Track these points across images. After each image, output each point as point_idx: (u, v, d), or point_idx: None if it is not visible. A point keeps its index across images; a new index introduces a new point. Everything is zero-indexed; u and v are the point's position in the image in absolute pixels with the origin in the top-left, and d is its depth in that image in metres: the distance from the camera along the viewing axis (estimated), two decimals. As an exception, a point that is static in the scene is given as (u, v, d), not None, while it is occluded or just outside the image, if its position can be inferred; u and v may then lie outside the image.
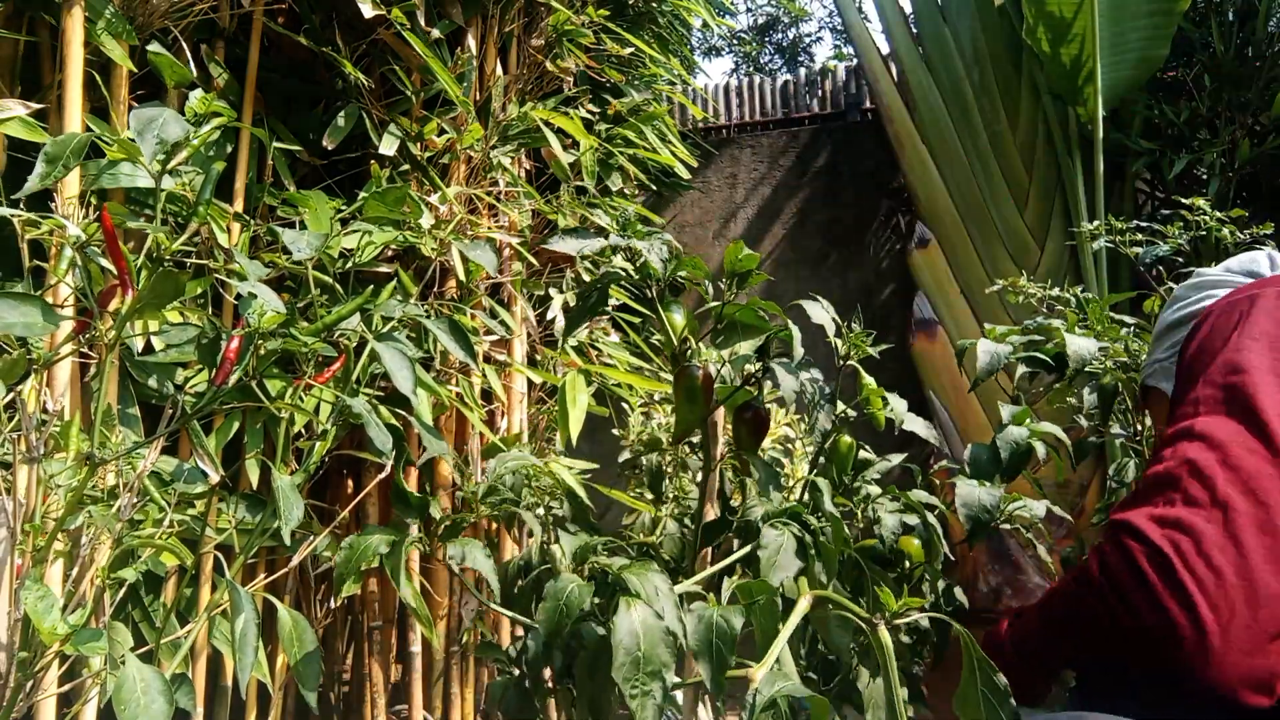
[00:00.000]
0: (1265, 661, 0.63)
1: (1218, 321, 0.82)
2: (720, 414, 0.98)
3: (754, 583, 0.74)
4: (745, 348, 0.91)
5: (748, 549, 0.82)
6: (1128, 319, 1.43)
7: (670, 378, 2.23)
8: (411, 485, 1.88)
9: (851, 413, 0.98)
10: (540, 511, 1.21)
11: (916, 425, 0.96)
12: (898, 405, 0.96)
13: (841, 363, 0.97)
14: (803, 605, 0.70)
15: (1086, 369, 1.01)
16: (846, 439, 0.96)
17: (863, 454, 1.04)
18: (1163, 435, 0.76)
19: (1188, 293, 0.95)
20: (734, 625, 0.70)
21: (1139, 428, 1.42)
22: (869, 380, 0.96)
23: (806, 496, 0.93)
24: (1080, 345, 0.98)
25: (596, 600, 0.74)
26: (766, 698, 0.62)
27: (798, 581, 0.75)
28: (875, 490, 0.95)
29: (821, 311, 0.92)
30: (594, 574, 0.83)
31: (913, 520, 0.93)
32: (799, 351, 0.89)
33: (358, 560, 0.81)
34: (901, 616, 0.69)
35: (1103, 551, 0.69)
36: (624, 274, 0.89)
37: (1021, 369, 1.05)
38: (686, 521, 1.22)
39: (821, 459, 0.99)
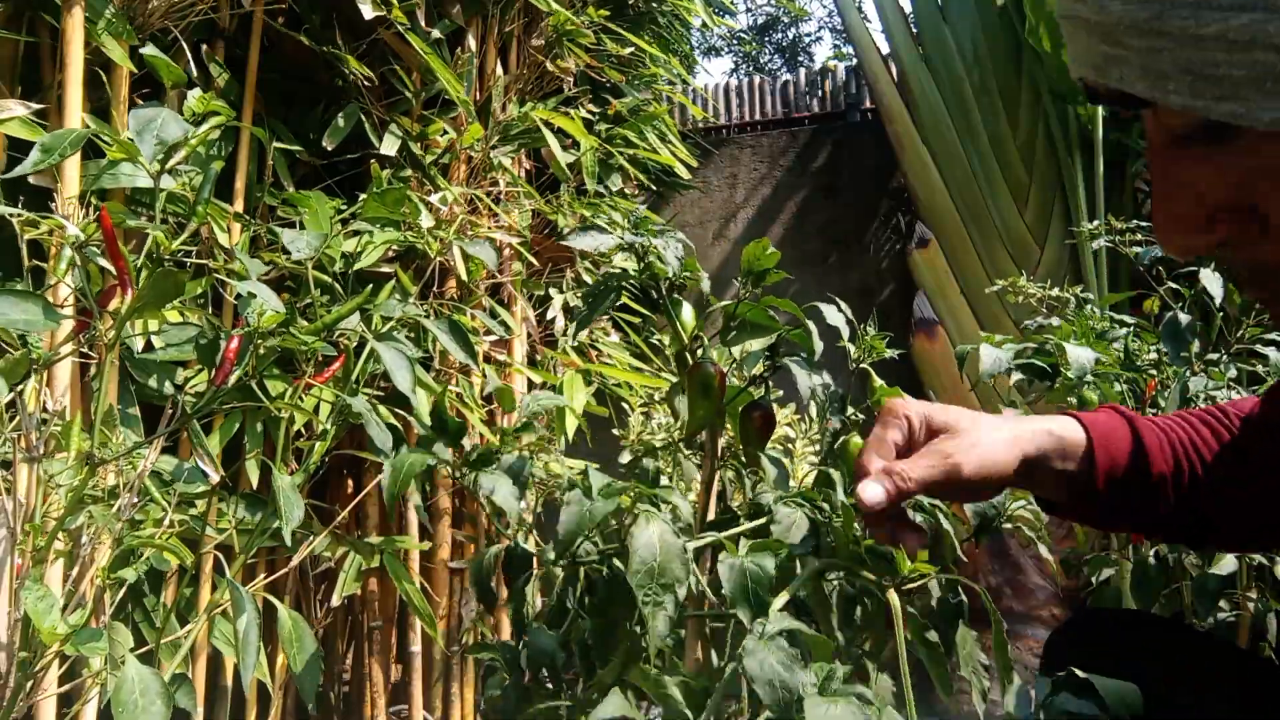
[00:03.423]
0: None
1: None
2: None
3: (769, 540, 0.76)
4: (755, 346, 0.91)
5: (759, 522, 0.83)
6: (1128, 319, 1.43)
7: (671, 377, 2.23)
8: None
9: (863, 415, 0.98)
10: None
11: None
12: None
13: (855, 365, 0.96)
14: (814, 564, 0.73)
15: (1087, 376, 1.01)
16: (857, 440, 0.96)
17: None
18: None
19: None
20: (767, 569, 0.71)
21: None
22: (881, 385, 0.96)
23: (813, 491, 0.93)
24: (1079, 355, 0.99)
25: (614, 524, 0.77)
26: (772, 631, 0.65)
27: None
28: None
29: (837, 314, 0.92)
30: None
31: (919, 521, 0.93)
32: (819, 345, 0.88)
33: (405, 478, 0.82)
34: (911, 582, 0.71)
35: None
36: (631, 273, 0.88)
37: (1017, 375, 1.06)
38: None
39: (829, 461, 0.99)
